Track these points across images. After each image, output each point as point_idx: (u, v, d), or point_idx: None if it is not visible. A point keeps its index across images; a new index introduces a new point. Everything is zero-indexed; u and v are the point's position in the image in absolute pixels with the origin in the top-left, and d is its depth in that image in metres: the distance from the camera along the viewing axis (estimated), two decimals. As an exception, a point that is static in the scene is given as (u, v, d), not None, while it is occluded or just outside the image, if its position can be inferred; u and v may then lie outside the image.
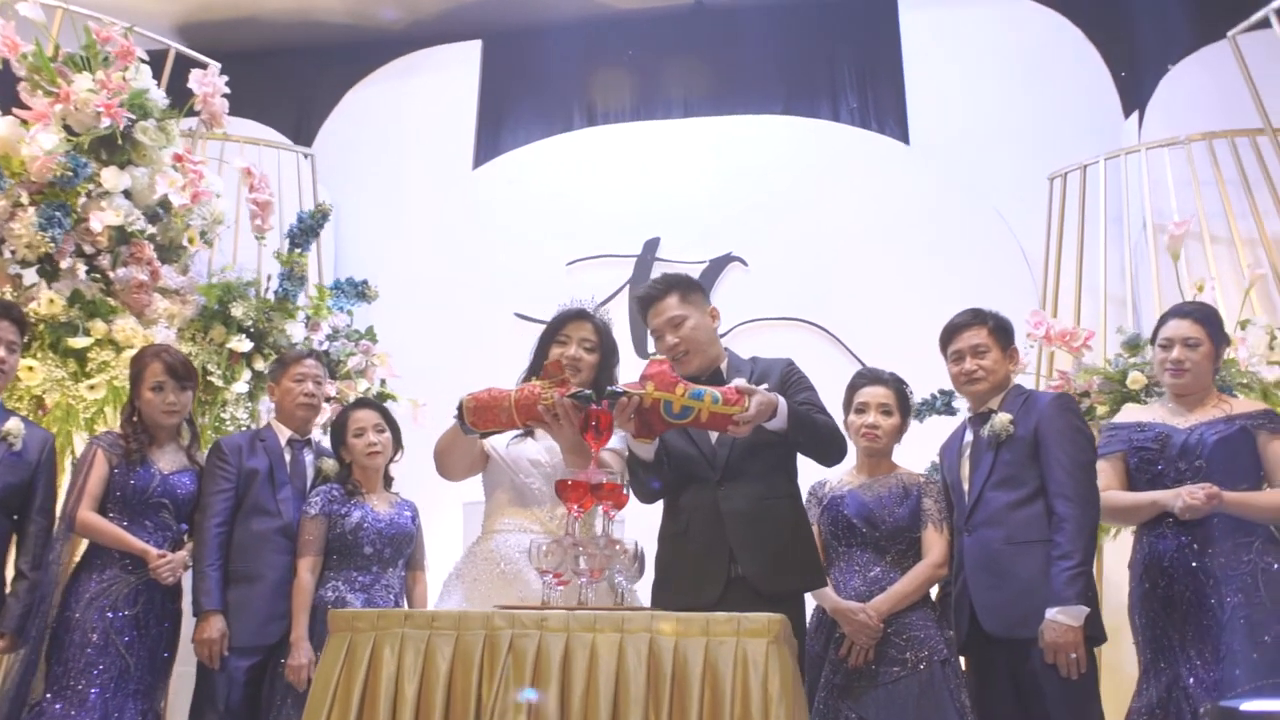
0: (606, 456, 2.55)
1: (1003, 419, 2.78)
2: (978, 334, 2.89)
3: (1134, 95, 5.18)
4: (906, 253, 5.11)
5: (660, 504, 2.71)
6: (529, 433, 2.67)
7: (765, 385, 2.48)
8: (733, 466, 2.57)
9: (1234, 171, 4.31)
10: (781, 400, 2.46)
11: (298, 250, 3.92)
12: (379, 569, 3.19)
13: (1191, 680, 2.68)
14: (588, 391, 2.37)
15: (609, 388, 2.36)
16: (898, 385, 3.10)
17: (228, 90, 3.85)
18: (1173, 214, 4.23)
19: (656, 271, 5.25)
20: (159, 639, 3.06)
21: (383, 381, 4.31)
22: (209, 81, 3.81)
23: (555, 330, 2.74)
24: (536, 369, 2.71)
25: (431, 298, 5.37)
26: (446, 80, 5.97)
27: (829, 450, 2.61)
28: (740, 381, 2.45)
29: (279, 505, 3.19)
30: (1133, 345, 3.67)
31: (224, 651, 3.03)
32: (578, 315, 2.75)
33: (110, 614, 2.96)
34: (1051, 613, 2.56)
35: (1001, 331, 2.92)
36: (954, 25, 5.50)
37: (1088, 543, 2.62)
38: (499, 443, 2.70)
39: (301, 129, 5.96)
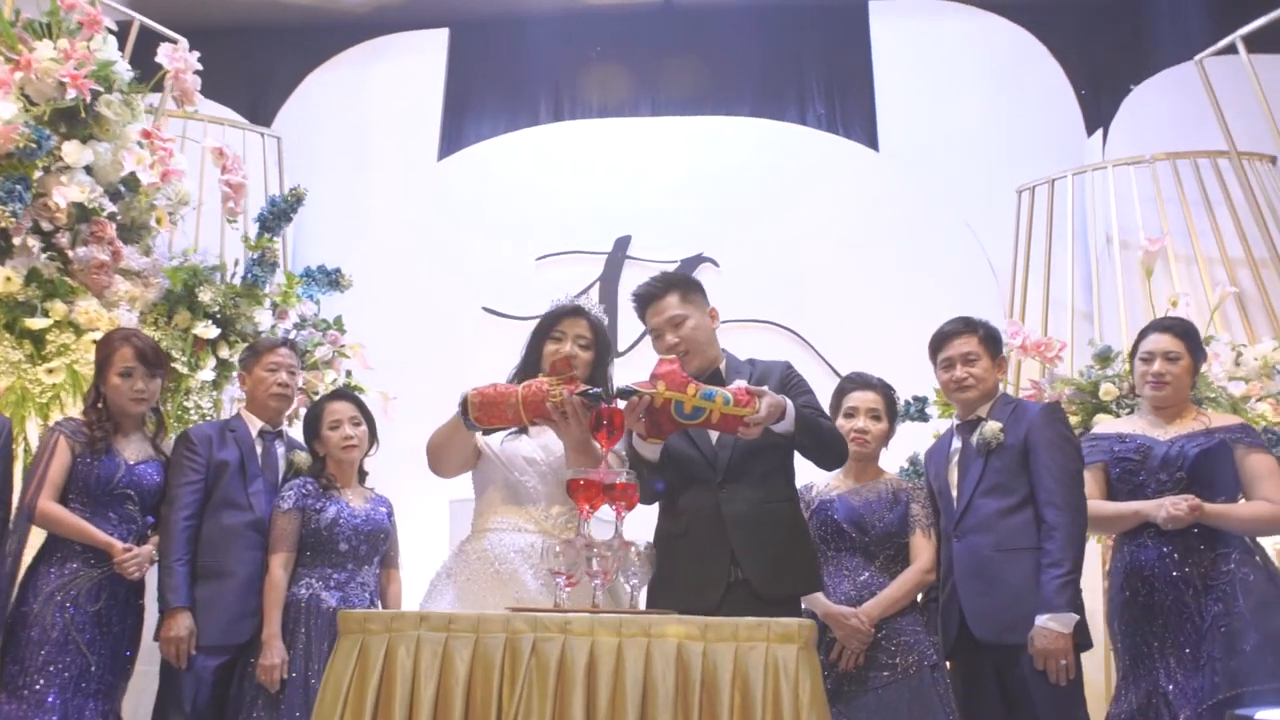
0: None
1: (993, 427, 2.81)
2: (968, 342, 2.92)
3: (1094, 114, 5.30)
4: (875, 258, 5.15)
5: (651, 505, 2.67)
6: (523, 429, 2.61)
7: (765, 387, 2.46)
8: (734, 469, 2.55)
9: (1196, 192, 4.43)
10: (790, 402, 2.44)
11: (268, 235, 3.77)
12: (354, 566, 3.09)
13: (1170, 687, 2.73)
14: (598, 390, 2.31)
15: (620, 386, 2.31)
16: (886, 391, 3.12)
17: (199, 66, 3.70)
18: (1137, 230, 4.34)
19: (628, 269, 5.21)
20: (121, 636, 2.93)
21: (348, 373, 4.19)
22: (180, 57, 3.65)
23: (549, 326, 2.67)
24: (529, 365, 2.64)
25: (396, 290, 5.23)
26: (412, 68, 5.84)
27: (832, 454, 2.60)
28: (741, 382, 2.42)
29: (250, 499, 3.08)
30: (1104, 358, 3.74)
31: (191, 650, 2.91)
32: (573, 311, 2.69)
33: (71, 609, 2.82)
34: (1042, 619, 2.59)
35: (991, 340, 2.95)
36: (924, 36, 5.57)
37: (1077, 551, 2.66)
38: (493, 439, 2.62)
39: (259, 110, 5.77)
